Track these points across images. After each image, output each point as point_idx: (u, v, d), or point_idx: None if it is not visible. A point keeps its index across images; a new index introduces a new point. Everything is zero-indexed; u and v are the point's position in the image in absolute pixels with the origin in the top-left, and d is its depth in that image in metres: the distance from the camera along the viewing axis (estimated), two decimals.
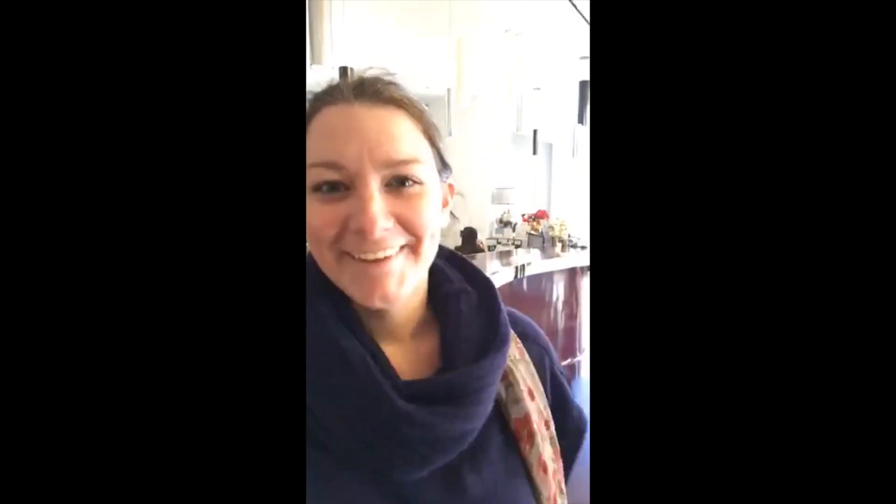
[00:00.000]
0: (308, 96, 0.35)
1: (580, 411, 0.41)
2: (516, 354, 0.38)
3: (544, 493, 0.36)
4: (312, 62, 2.07)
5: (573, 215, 5.10)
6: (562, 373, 0.41)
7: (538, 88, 5.13)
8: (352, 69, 2.03)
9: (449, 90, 3.11)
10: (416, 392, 0.32)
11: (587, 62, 4.18)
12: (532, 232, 4.47)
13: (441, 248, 0.38)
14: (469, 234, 4.27)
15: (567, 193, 7.17)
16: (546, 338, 0.42)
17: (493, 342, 0.35)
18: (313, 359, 0.32)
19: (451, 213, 0.39)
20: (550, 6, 3.13)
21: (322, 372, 0.32)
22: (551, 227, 4.29)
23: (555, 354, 0.42)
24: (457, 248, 4.54)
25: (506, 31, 3.58)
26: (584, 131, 4.03)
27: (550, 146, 7.15)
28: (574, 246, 4.24)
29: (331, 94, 0.34)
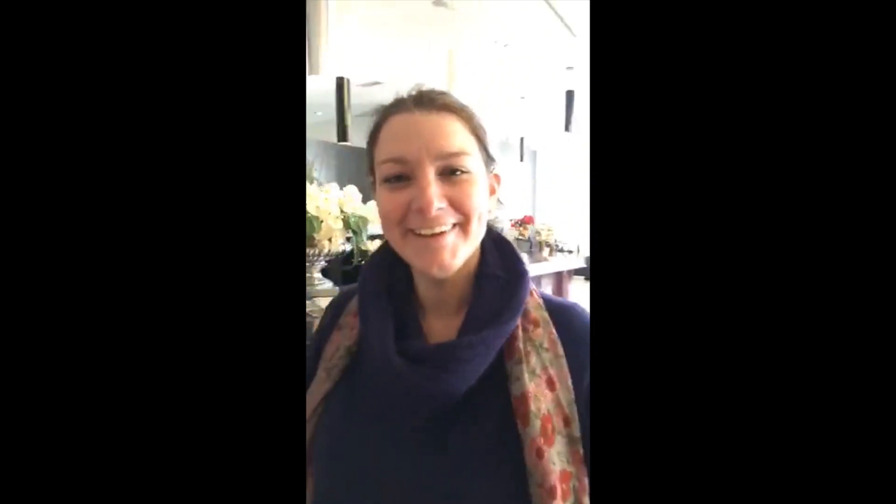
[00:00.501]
0: (378, 108, 0.43)
1: None
2: (544, 342, 0.40)
3: (535, 478, 0.35)
4: (310, 72, 2.12)
5: (558, 220, 5.20)
6: None
7: (524, 97, 5.25)
8: (348, 80, 2.08)
9: None
10: (413, 354, 0.39)
11: (572, 73, 4.31)
12: (520, 237, 4.56)
13: (491, 231, 0.45)
14: None
15: (552, 199, 7.31)
16: None
17: (492, 323, 0.39)
18: (364, 323, 0.42)
19: (498, 199, 0.46)
20: (538, 18, 3.24)
21: (367, 331, 0.42)
22: (538, 233, 4.37)
23: None
24: None
25: (494, 41, 3.68)
26: (570, 139, 4.15)
27: (535, 153, 7.28)
28: (561, 250, 4.34)
29: (396, 106, 0.42)
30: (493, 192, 0.45)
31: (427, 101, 0.41)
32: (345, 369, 0.43)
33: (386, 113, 0.42)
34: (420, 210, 0.38)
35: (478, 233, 0.41)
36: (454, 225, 0.40)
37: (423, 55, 3.91)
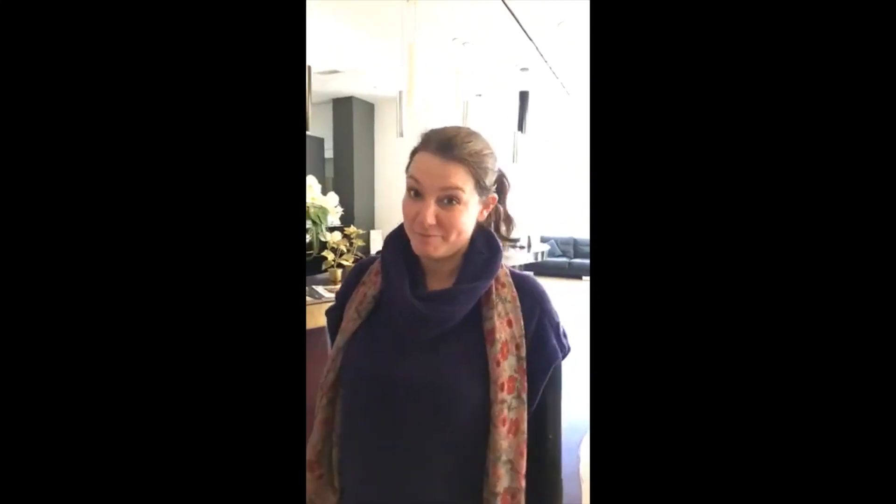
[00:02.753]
0: (423, 132, 0.62)
1: (555, 350, 0.62)
2: (508, 297, 0.62)
3: (493, 378, 0.58)
4: None
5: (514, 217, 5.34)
6: (551, 322, 0.63)
7: (480, 95, 5.35)
8: (310, 67, 2.11)
9: (400, 93, 3.20)
10: (421, 296, 0.61)
11: (527, 74, 4.44)
12: None
13: (479, 227, 0.66)
14: None
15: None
16: (544, 296, 0.64)
17: (478, 279, 0.61)
18: (385, 279, 0.63)
19: (488, 214, 0.66)
20: (495, 19, 3.32)
21: (388, 283, 0.63)
22: None
23: (549, 307, 0.64)
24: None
25: (453, 38, 3.74)
26: (523, 138, 4.29)
27: None
28: (514, 246, 4.47)
29: (427, 143, 0.60)
30: (487, 208, 0.65)
31: (446, 150, 0.59)
32: (371, 311, 0.65)
33: (422, 145, 0.62)
34: (420, 221, 0.59)
35: (454, 241, 0.61)
36: (440, 234, 0.60)
37: (383, 47, 3.91)
